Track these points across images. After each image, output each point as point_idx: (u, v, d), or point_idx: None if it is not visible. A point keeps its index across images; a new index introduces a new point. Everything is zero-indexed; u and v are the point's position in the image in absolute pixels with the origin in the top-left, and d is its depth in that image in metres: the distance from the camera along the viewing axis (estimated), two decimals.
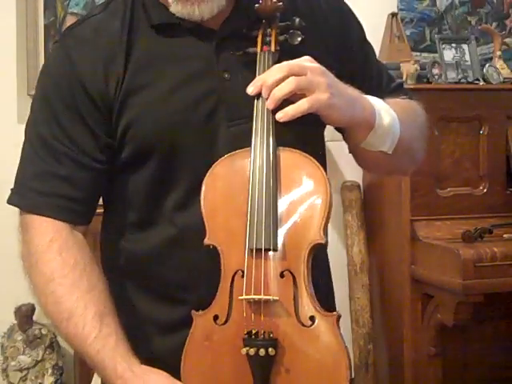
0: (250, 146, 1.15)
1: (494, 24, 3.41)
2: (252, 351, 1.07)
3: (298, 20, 1.21)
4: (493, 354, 2.82)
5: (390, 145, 1.25)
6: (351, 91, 1.21)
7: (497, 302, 2.71)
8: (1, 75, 2.87)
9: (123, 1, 1.27)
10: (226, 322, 1.11)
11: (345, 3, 1.40)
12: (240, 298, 1.10)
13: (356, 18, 1.39)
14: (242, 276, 1.11)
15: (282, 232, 1.12)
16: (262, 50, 1.20)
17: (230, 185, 1.16)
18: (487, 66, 3.00)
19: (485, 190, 2.85)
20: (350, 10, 1.39)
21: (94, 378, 1.39)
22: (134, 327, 1.24)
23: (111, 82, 1.21)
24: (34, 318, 2.77)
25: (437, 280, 2.60)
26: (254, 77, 1.18)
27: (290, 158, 1.15)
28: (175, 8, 1.21)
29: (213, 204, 1.15)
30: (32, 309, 2.74)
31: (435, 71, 2.92)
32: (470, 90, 2.90)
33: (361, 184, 3.12)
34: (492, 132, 2.85)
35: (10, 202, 1.25)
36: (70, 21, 2.87)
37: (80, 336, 1.15)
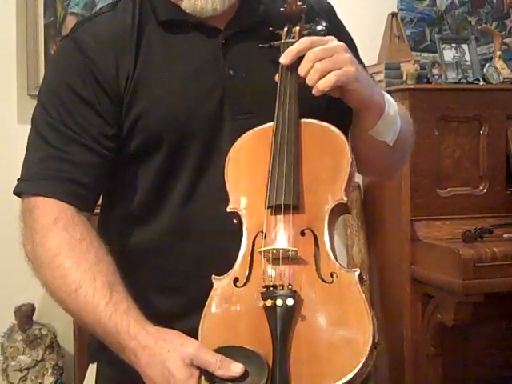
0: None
1: (494, 24, 3.41)
2: (269, 302, 1.04)
3: (321, 20, 1.26)
4: (493, 353, 2.82)
5: (392, 136, 1.28)
6: (365, 72, 1.24)
7: (497, 302, 2.70)
8: (1, 75, 2.87)
9: None
10: (246, 283, 1.10)
11: (337, 16, 1.43)
12: (259, 250, 1.10)
13: (347, 31, 1.43)
14: (263, 237, 1.11)
15: (303, 190, 1.13)
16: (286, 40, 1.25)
17: (253, 152, 1.19)
18: (487, 66, 3.01)
19: (485, 190, 2.86)
20: (341, 21, 1.43)
21: (86, 377, 1.39)
22: None
23: (122, 74, 1.23)
24: (34, 318, 2.77)
25: (437, 280, 2.60)
26: (258, 74, 1.25)
27: (312, 125, 1.19)
28: (188, 2, 1.24)
29: (236, 172, 1.18)
30: (32, 309, 2.74)
31: (435, 71, 2.92)
32: (469, 90, 2.90)
33: (361, 184, 3.12)
34: (492, 132, 2.85)
35: (15, 190, 1.25)
36: (69, 21, 2.87)
37: (90, 304, 1.13)
